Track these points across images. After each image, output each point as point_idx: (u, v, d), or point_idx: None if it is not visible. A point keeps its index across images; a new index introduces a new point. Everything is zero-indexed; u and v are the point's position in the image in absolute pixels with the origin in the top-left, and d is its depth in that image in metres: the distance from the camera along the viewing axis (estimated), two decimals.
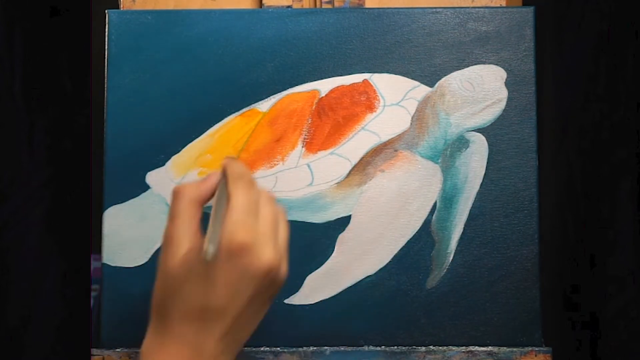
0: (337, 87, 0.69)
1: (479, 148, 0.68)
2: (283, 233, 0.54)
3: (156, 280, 0.54)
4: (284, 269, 0.53)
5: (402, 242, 0.67)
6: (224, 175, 0.55)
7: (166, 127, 0.69)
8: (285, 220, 0.55)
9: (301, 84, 0.69)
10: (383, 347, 0.67)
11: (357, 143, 0.68)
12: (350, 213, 0.68)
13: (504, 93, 0.69)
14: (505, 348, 0.66)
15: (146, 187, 0.68)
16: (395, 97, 0.69)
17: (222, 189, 0.54)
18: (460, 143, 0.68)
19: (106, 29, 0.69)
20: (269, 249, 0.51)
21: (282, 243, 0.54)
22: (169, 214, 0.54)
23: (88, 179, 0.82)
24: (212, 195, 0.55)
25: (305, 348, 0.66)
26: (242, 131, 0.69)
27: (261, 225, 0.52)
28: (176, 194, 0.54)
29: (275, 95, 0.69)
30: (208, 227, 0.52)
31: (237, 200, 0.52)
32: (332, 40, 0.69)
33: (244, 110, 0.69)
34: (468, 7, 0.70)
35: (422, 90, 0.69)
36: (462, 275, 0.67)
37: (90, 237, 0.81)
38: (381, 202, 0.68)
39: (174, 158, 0.68)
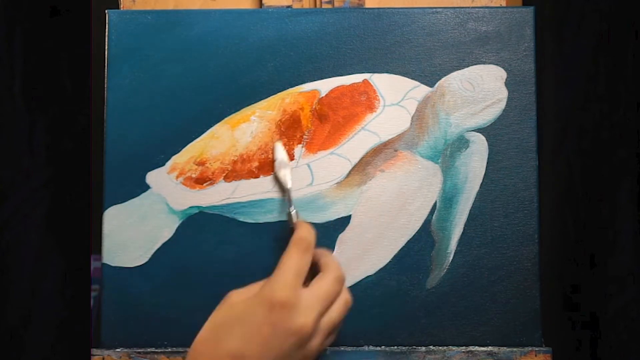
0: (337, 87, 0.69)
1: (479, 148, 0.68)
2: (334, 315, 0.58)
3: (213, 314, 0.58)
4: (316, 342, 0.57)
5: (402, 242, 0.67)
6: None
7: (166, 127, 0.69)
8: (343, 306, 0.59)
9: (301, 84, 0.69)
10: (383, 347, 0.67)
11: (357, 143, 0.68)
12: (350, 213, 0.68)
13: (504, 93, 0.69)
14: (505, 348, 0.66)
15: (146, 187, 0.68)
16: (395, 97, 0.69)
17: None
18: (460, 143, 0.68)
19: (106, 29, 0.69)
20: (306, 317, 0.55)
21: (328, 322, 0.57)
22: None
23: (88, 179, 0.82)
24: None
25: None
26: (243, 132, 0.69)
27: (310, 295, 0.56)
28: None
29: (275, 95, 0.69)
30: None
31: (289, 261, 0.57)
32: (332, 40, 0.69)
33: (245, 110, 0.69)
34: (468, 7, 0.70)
35: (422, 90, 0.69)
36: (462, 275, 0.67)
37: (90, 237, 0.81)
38: (381, 202, 0.68)
39: (174, 158, 0.68)
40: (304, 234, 0.60)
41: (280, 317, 0.55)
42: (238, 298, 0.57)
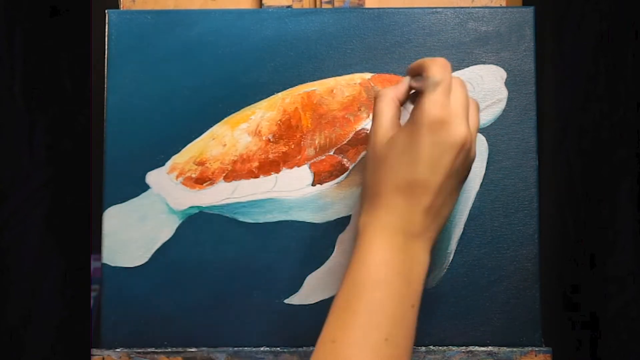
0: (337, 86, 0.69)
1: (479, 148, 0.68)
2: (474, 118, 0.60)
3: (366, 165, 0.60)
4: (474, 149, 0.59)
5: None
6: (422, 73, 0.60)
7: (166, 127, 0.69)
8: (476, 109, 0.61)
9: (301, 83, 0.69)
10: None
11: (357, 143, 0.68)
12: (350, 213, 0.68)
13: (504, 93, 0.69)
14: (505, 348, 0.66)
15: (146, 187, 0.68)
16: None
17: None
18: None
19: (106, 29, 0.69)
20: (463, 126, 0.57)
21: (473, 125, 0.60)
22: (373, 112, 0.61)
23: (88, 179, 0.82)
24: (408, 96, 0.62)
25: (305, 348, 0.66)
26: (243, 132, 0.69)
27: (454, 106, 0.57)
28: (378, 96, 0.61)
29: (275, 95, 0.69)
30: None
31: (434, 79, 0.58)
32: (332, 40, 0.69)
33: (245, 110, 0.69)
34: (468, 7, 0.70)
35: None
36: (462, 275, 0.67)
37: (90, 237, 0.81)
38: None
39: (174, 158, 0.68)
40: (439, 59, 0.60)
41: (442, 134, 0.56)
42: (381, 144, 0.59)
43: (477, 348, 0.67)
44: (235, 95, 0.69)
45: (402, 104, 0.62)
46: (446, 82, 0.58)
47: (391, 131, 0.59)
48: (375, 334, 0.54)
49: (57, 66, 0.81)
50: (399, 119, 0.61)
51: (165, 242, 0.68)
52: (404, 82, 0.61)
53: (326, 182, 0.68)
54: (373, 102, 0.62)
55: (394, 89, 0.61)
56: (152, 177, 0.68)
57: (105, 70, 0.69)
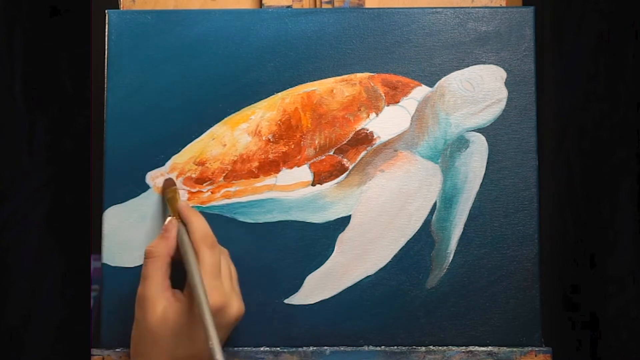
0: (337, 86, 0.69)
1: (479, 148, 0.68)
2: (234, 277, 0.64)
3: (134, 333, 0.61)
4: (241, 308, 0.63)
5: (402, 242, 0.67)
6: (182, 224, 0.63)
7: (166, 127, 0.69)
8: (231, 264, 0.65)
9: (301, 83, 0.69)
10: (383, 347, 0.67)
11: (357, 143, 0.68)
12: (350, 213, 0.68)
13: (504, 93, 0.69)
14: (505, 348, 0.66)
15: (146, 187, 0.68)
16: (395, 97, 0.69)
17: (184, 243, 0.62)
18: (460, 143, 0.68)
19: (106, 29, 0.69)
20: (235, 302, 0.61)
21: (237, 287, 0.64)
22: (142, 274, 0.61)
23: (88, 179, 0.82)
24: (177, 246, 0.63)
25: (305, 348, 0.66)
26: (243, 132, 0.69)
27: (225, 283, 0.61)
28: (148, 255, 0.62)
29: (275, 95, 0.69)
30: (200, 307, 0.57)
31: (205, 265, 0.60)
32: (332, 40, 0.69)
33: (245, 110, 0.69)
34: (468, 7, 0.70)
35: (422, 90, 0.69)
36: (462, 275, 0.67)
37: (90, 237, 0.81)
38: (381, 202, 0.68)
39: (174, 158, 0.68)
40: (201, 226, 0.63)
41: (223, 317, 0.60)
42: (153, 319, 0.60)
43: (477, 348, 0.67)
44: (235, 95, 0.69)
45: (174, 258, 0.62)
46: (215, 264, 0.61)
47: (163, 300, 0.60)
48: None
49: (57, 66, 0.81)
50: (169, 278, 0.62)
51: None
52: (172, 236, 0.62)
53: (326, 182, 0.68)
54: (144, 259, 0.62)
55: (165, 246, 0.62)
56: (152, 177, 0.68)
57: (105, 70, 0.69)
